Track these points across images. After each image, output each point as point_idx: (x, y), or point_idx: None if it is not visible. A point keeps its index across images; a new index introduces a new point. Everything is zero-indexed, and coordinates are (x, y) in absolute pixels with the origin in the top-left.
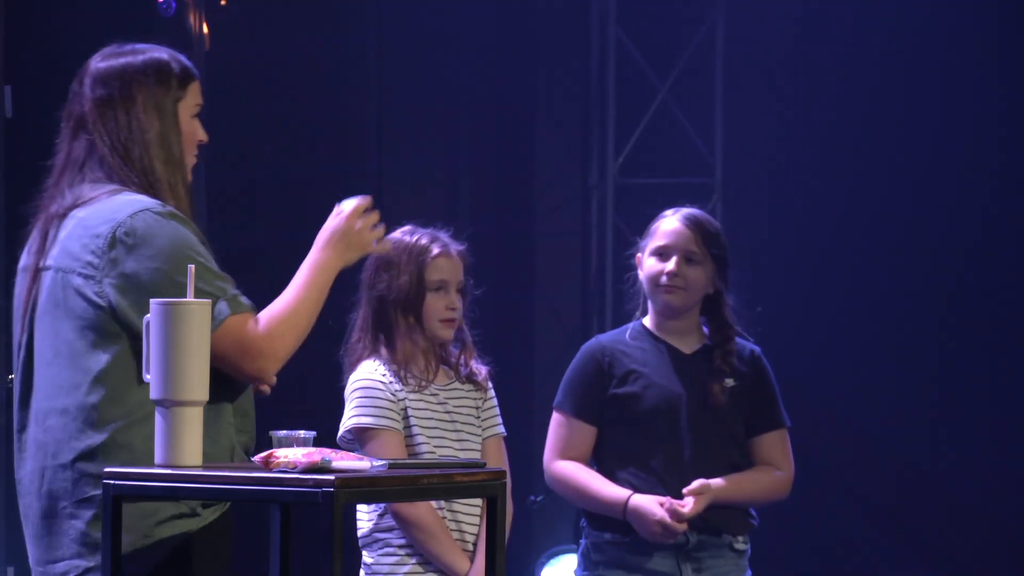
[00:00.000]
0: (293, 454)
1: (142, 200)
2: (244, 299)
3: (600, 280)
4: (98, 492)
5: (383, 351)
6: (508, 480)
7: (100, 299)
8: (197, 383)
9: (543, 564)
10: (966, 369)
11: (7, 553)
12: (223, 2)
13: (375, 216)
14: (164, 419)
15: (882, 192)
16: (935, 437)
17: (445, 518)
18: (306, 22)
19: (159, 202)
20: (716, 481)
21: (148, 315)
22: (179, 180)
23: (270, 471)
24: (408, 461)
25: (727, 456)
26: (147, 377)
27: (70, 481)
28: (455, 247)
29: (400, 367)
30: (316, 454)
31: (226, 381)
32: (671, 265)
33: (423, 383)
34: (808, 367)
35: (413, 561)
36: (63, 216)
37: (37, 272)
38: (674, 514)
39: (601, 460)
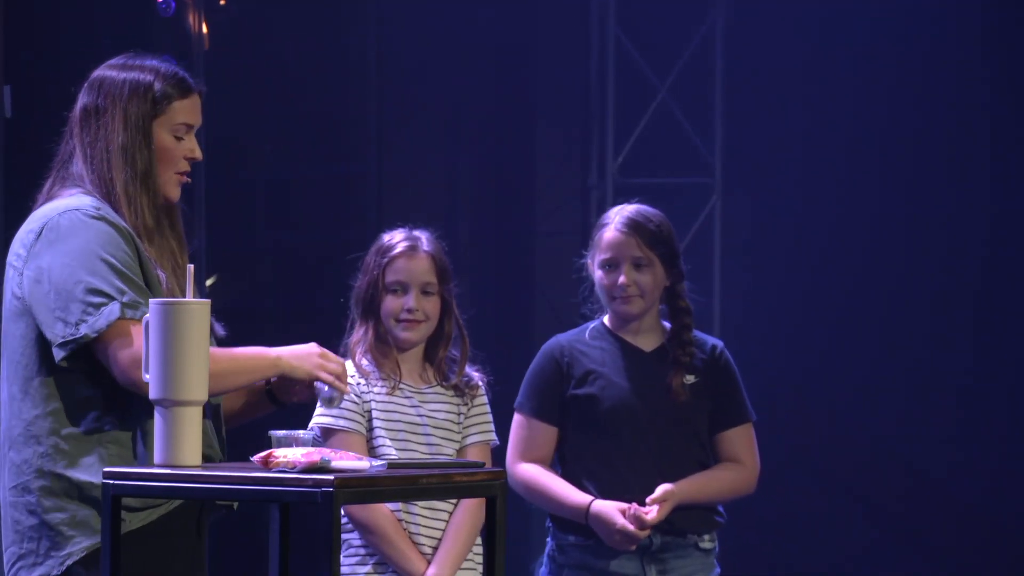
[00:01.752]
0: (292, 454)
1: (80, 201)
2: (143, 310)
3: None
4: (20, 481)
5: (358, 352)
6: None
7: (19, 290)
8: (196, 383)
9: (541, 564)
10: (966, 368)
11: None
12: (222, 2)
13: (340, 384)
14: (163, 419)
15: (881, 191)
16: (934, 437)
17: (403, 521)
18: (306, 22)
19: (95, 205)
20: (680, 484)
21: (147, 315)
22: (141, 193)
23: (269, 471)
24: (407, 461)
25: (691, 454)
26: (146, 377)
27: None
28: (425, 248)
29: (368, 368)
30: (315, 454)
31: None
32: (621, 277)
33: (391, 385)
34: (808, 367)
35: (372, 561)
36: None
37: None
38: (637, 521)
39: (564, 462)
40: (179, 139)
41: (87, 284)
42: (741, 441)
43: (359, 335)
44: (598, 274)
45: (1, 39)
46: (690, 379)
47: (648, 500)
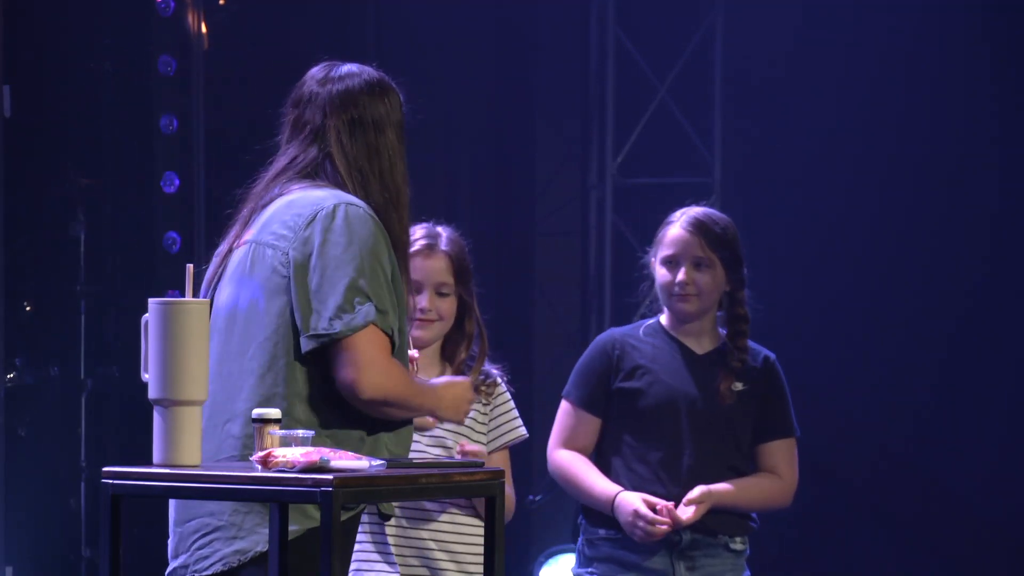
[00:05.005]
0: (291, 453)
1: (350, 196)
2: (392, 323)
3: (599, 280)
4: (239, 454)
5: None
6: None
7: (283, 268)
8: (196, 382)
9: (541, 564)
10: (971, 369)
11: (6, 553)
12: (221, 2)
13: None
14: (163, 418)
15: (882, 191)
16: (947, 442)
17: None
18: (305, 22)
19: (365, 203)
20: (718, 486)
21: (146, 315)
22: (407, 197)
23: (268, 470)
24: (406, 460)
25: (728, 459)
26: (145, 377)
27: (215, 442)
28: (443, 247)
29: None
30: (314, 453)
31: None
32: (681, 275)
33: None
34: (808, 367)
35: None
36: (267, 205)
37: (229, 251)
38: (672, 518)
39: (601, 452)
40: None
41: (352, 281)
42: (782, 454)
43: None
44: (659, 271)
45: (1, 39)
46: (739, 386)
47: (685, 500)
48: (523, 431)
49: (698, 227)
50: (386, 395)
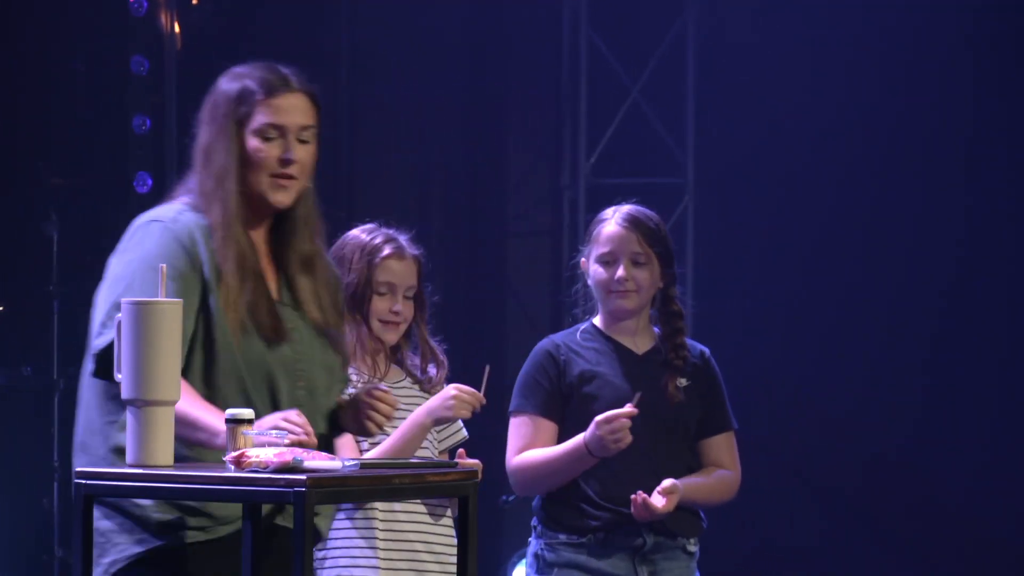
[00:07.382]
0: (265, 454)
1: (158, 211)
2: (102, 343)
3: (572, 281)
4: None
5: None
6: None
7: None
8: (168, 382)
9: (514, 564)
10: (963, 373)
11: None
12: (195, 1)
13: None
14: (135, 419)
15: (855, 191)
16: (918, 436)
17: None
18: (278, 22)
19: (171, 217)
20: (682, 482)
21: (119, 316)
22: (223, 192)
23: (242, 471)
24: (380, 460)
25: (683, 457)
26: (118, 377)
27: None
28: (410, 251)
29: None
30: (288, 454)
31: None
32: (620, 271)
33: (370, 381)
34: (783, 366)
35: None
36: None
37: None
38: (646, 508)
39: None
40: (268, 140)
41: (103, 305)
42: (727, 448)
43: (355, 335)
44: (595, 269)
45: None
46: (683, 382)
47: (658, 490)
48: (464, 433)
49: (634, 223)
50: None
